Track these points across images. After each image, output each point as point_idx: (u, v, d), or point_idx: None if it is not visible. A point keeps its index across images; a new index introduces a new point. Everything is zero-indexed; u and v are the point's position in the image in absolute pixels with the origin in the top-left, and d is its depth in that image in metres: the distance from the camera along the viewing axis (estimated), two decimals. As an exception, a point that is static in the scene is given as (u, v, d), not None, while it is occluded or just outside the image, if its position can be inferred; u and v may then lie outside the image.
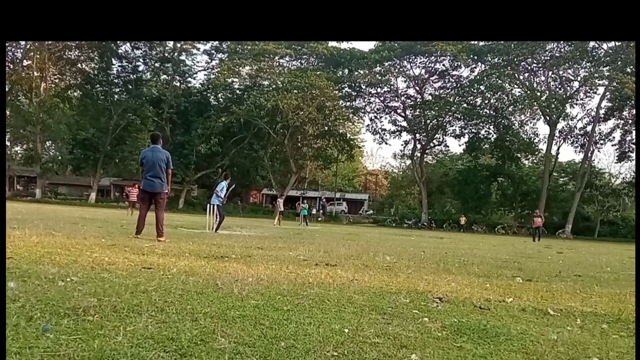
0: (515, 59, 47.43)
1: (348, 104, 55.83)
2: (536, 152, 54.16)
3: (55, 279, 4.09)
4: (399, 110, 55.95)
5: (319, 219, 35.44)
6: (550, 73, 49.17)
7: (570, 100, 47.80)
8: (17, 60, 51.02)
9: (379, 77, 50.73)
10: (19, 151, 68.13)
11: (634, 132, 46.17)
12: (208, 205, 15.67)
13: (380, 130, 56.36)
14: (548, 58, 47.13)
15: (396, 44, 48.81)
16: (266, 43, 49.26)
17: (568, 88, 49.11)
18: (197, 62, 56.51)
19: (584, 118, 49.91)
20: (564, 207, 50.35)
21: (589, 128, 48.93)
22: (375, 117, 56.63)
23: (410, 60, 52.27)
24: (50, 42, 48.31)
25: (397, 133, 55.79)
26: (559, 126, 49.68)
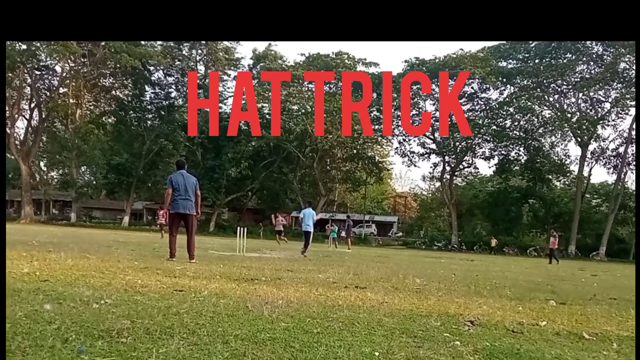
0: (544, 81, 47.05)
1: (377, 127, 55.89)
2: (568, 174, 53.33)
3: (89, 302, 4.17)
4: (427, 133, 55.76)
5: (342, 234, 35.35)
6: (580, 94, 48.63)
7: (601, 122, 47.10)
8: (54, 88, 52.56)
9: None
10: (54, 176, 69.89)
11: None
12: (238, 228, 15.90)
13: (409, 153, 56.18)
14: (578, 79, 46.66)
15: (424, 68, 48.87)
16: (295, 68, 49.91)
17: (599, 109, 48.42)
18: (228, 87, 57.43)
19: (616, 139, 49.10)
20: (598, 229, 49.21)
21: (621, 149, 48.04)
22: (404, 140, 56.49)
23: (439, 83, 52.14)
24: (85, 70, 49.82)
25: (426, 155, 55.54)
26: (591, 147, 49.00)
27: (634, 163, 48.57)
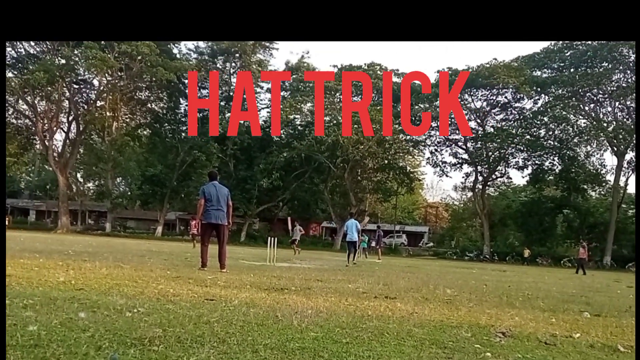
0: (580, 90, 46.23)
1: (408, 137, 55.67)
2: (603, 184, 52.11)
3: (123, 310, 4.25)
4: (459, 143, 55.21)
5: (372, 245, 35.16)
6: (617, 103, 47.62)
7: (636, 105, 45.90)
8: (91, 101, 53.80)
9: (439, 111, 50.45)
10: (91, 187, 71.34)
11: None
12: (269, 238, 16.07)
13: (440, 163, 55.63)
14: (615, 88, 45.69)
15: (457, 78, 48.54)
16: (327, 80, 50.16)
17: (634, 116, 47.28)
18: (261, 100, 57.94)
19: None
20: (634, 240, 47.86)
21: (659, 158, 46.64)
22: (436, 150, 56.05)
23: (472, 93, 51.79)
24: (122, 83, 50.90)
25: (458, 165, 54.91)
26: (627, 157, 47.77)
27: None
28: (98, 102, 53.61)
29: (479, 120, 53.97)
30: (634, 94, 44.11)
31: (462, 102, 52.01)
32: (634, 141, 45.38)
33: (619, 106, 47.81)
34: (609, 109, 49.27)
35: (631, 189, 52.49)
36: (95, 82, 53.44)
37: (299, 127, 55.26)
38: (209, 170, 12.20)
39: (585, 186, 51.52)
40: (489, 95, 51.81)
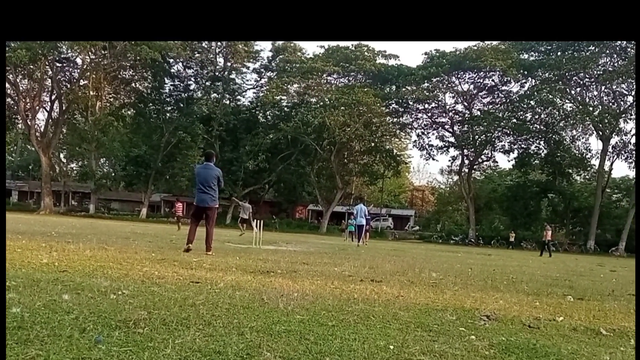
0: (566, 74, 46.41)
1: (395, 120, 55.72)
2: (588, 168, 52.73)
3: (107, 292, 4.21)
4: (446, 126, 55.43)
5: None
6: (603, 87, 47.91)
7: (624, 115, 46.35)
8: (74, 80, 53.10)
9: (427, 93, 50.55)
10: (74, 168, 70.71)
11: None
12: (255, 220, 16.08)
13: (427, 146, 55.90)
14: (601, 72, 45.88)
15: (444, 60, 48.63)
16: (314, 61, 49.92)
17: (622, 103, 47.66)
18: (247, 80, 57.63)
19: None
20: (618, 224, 48.54)
21: (643, 143, 47.15)
22: (423, 133, 56.26)
23: (459, 76, 51.87)
24: (106, 62, 50.23)
25: (445, 149, 55.15)
26: (612, 141, 48.27)
27: None
28: (81, 81, 53.01)
29: (465, 104, 54.16)
30: (620, 79, 44.48)
31: (448, 85, 52.15)
32: (618, 126, 45.81)
33: (605, 90, 48.14)
34: (595, 92, 49.66)
35: (615, 173, 53.17)
36: (79, 61, 52.79)
37: (285, 109, 55.03)
38: (206, 151, 12.13)
39: (570, 170, 52.09)
40: (476, 78, 51.94)
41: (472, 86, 53.07)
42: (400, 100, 52.87)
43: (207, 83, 55.19)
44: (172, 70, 54.85)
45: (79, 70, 53.02)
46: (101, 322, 3.17)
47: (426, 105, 54.19)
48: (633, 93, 45.95)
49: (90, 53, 50.25)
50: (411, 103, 53.39)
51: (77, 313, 3.35)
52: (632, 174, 51.71)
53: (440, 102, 53.93)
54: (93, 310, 3.48)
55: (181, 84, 55.47)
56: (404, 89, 51.14)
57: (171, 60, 53.28)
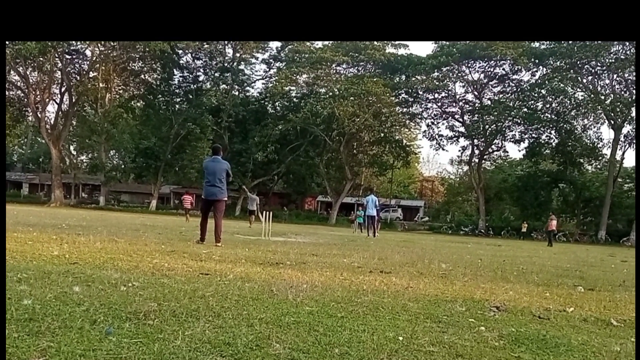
0: (578, 62, 45.97)
1: (405, 110, 55.49)
2: (600, 158, 52.15)
3: (117, 284, 4.23)
4: (456, 116, 55.18)
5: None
6: (615, 76, 47.39)
7: (636, 104, 45.88)
8: (84, 72, 53.27)
9: (437, 83, 50.29)
10: (84, 160, 71.10)
11: None
12: (264, 212, 16.07)
13: (437, 136, 55.67)
14: (613, 60, 45.38)
15: (454, 49, 48.28)
16: (324, 51, 49.71)
17: (634, 91, 47.10)
18: (256, 71, 57.53)
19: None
20: (629, 214, 48.13)
21: (656, 133, 46.68)
22: (432, 123, 56.03)
23: (469, 65, 51.52)
24: (115, 54, 50.32)
25: (455, 139, 54.91)
26: (624, 130, 47.78)
27: None
28: (91, 73, 53.17)
29: (476, 93, 53.83)
30: (632, 67, 43.94)
31: (459, 74, 51.81)
32: (634, 121, 45.28)
33: (617, 79, 47.64)
34: (607, 81, 49.15)
35: (627, 163, 52.68)
36: (88, 53, 52.91)
37: (294, 99, 54.92)
38: (213, 145, 12.20)
39: (581, 160, 51.64)
40: (486, 67, 51.58)
41: (482, 75, 52.76)
42: (410, 90, 52.61)
43: (216, 74, 55.15)
44: (181, 62, 54.87)
45: (88, 62, 53.22)
46: (112, 314, 3.19)
47: (436, 95, 53.90)
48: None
49: (99, 45, 50.34)
50: (421, 93, 53.13)
51: (87, 305, 3.37)
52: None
53: (450, 92, 53.64)
54: (103, 302, 3.50)
55: (190, 75, 55.49)
56: (413, 79, 50.91)
57: (180, 52, 53.25)
